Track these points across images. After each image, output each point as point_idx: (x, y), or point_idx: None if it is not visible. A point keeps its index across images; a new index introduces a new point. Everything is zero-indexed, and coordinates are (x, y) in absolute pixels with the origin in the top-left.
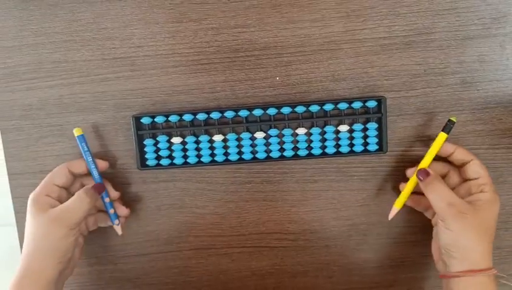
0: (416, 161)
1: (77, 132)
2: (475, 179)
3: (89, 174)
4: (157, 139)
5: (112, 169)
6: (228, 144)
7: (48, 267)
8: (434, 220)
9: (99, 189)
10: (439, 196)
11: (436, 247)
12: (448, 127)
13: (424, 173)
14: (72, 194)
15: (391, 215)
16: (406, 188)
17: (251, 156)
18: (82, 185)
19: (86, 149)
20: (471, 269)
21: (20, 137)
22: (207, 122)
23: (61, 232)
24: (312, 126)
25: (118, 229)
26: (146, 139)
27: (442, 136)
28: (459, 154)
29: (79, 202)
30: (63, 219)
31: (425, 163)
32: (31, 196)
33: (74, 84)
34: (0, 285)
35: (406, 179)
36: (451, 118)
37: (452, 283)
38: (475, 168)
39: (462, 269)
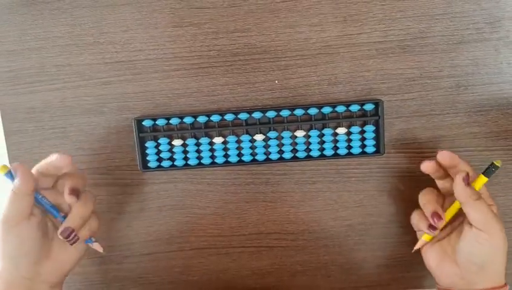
0: (412, 163)
1: (1, 170)
2: None
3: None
4: (158, 141)
5: (115, 171)
6: (228, 146)
7: (12, 267)
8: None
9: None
10: (483, 204)
11: (441, 264)
12: (489, 172)
13: (469, 180)
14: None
15: (418, 245)
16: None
17: (251, 158)
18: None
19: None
20: (500, 285)
21: (24, 139)
22: (207, 124)
23: (4, 232)
24: (311, 128)
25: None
26: (148, 142)
27: (482, 179)
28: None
29: (12, 201)
30: (4, 219)
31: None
32: None
33: (77, 87)
34: None
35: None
36: (495, 163)
37: None
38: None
39: (491, 286)
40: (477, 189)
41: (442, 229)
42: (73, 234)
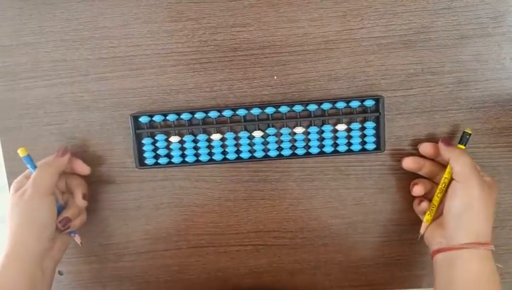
0: None
1: (21, 153)
2: None
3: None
4: (155, 138)
5: (111, 168)
6: (226, 143)
7: (29, 241)
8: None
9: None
10: (465, 158)
11: (433, 232)
12: (464, 139)
13: (448, 141)
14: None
15: (422, 230)
16: (434, 200)
17: (249, 155)
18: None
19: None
20: (478, 242)
21: (19, 136)
22: (205, 121)
23: (35, 202)
24: (310, 125)
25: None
26: (145, 138)
27: (460, 148)
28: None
29: (44, 168)
30: (36, 188)
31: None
32: (13, 183)
33: (73, 83)
34: None
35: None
36: (467, 130)
37: (455, 255)
38: None
39: (468, 241)
40: None
41: (439, 206)
42: (70, 223)
